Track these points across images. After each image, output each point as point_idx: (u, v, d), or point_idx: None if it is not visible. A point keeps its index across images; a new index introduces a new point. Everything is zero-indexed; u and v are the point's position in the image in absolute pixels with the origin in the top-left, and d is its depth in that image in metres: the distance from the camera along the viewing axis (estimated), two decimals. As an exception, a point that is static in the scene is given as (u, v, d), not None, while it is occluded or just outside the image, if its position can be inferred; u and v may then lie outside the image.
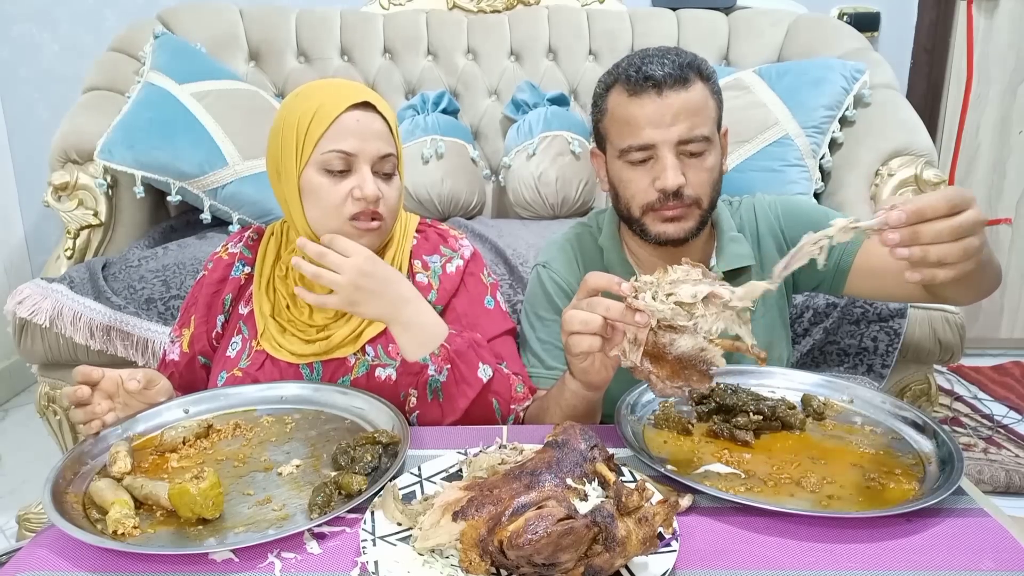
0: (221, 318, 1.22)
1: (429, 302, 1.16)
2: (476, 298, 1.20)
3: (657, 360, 0.90)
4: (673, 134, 1.13)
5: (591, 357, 0.96)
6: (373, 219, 1.11)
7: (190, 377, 1.22)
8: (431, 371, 1.06)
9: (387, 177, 1.13)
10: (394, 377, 1.14)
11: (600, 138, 1.25)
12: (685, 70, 1.14)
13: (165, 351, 1.25)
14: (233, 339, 1.20)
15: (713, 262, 1.26)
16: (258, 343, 1.16)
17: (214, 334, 1.22)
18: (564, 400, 1.06)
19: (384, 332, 1.15)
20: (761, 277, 1.25)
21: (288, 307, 1.17)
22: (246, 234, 1.25)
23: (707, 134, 1.16)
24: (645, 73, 1.14)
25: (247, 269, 1.22)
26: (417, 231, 1.23)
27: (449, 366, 1.07)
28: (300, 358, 1.15)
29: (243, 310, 1.21)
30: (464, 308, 1.19)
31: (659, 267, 0.90)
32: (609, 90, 1.20)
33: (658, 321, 0.87)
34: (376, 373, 1.14)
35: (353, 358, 1.15)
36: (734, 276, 1.25)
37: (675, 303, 0.86)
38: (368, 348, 1.15)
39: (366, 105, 1.10)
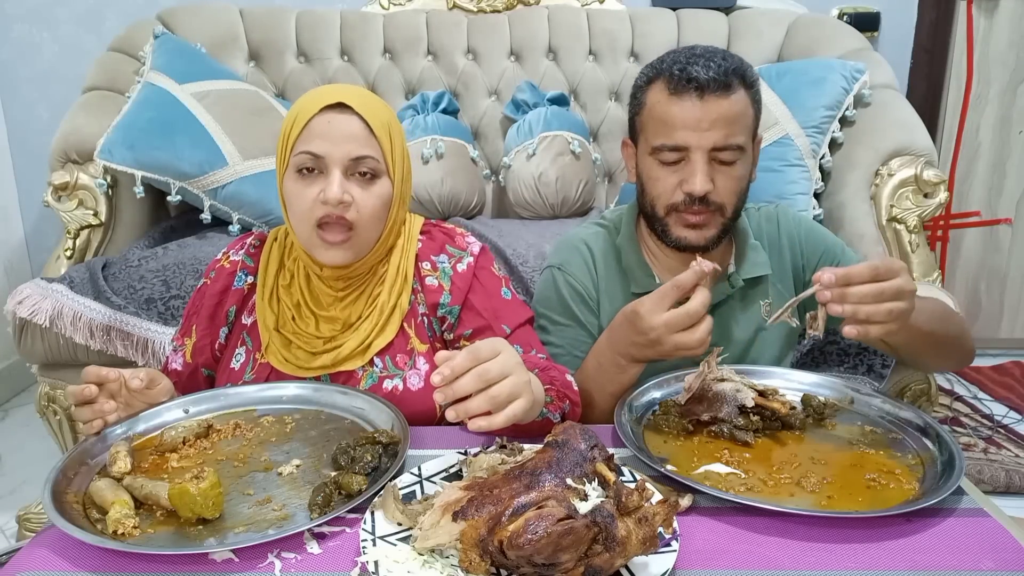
0: (224, 330, 1.20)
1: (443, 304, 1.15)
2: (492, 290, 1.18)
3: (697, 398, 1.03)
4: (708, 140, 1.12)
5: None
6: (345, 227, 1.07)
7: (193, 388, 1.20)
8: (556, 418, 1.00)
9: (366, 180, 1.09)
10: (400, 388, 1.13)
11: (633, 130, 1.24)
12: (729, 76, 1.12)
13: (168, 359, 1.23)
14: (237, 351, 1.18)
15: (732, 269, 1.25)
16: (262, 355, 1.15)
17: (217, 345, 1.20)
18: (621, 384, 1.12)
19: (392, 343, 1.14)
20: (776, 287, 1.26)
21: (293, 319, 1.15)
22: (248, 241, 1.23)
23: (741, 143, 1.15)
24: (689, 74, 1.12)
25: (250, 279, 1.20)
26: (422, 232, 1.21)
27: (567, 403, 1.03)
28: (307, 371, 1.13)
29: (246, 320, 1.19)
30: (482, 302, 1.16)
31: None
32: (650, 84, 1.18)
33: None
34: (384, 385, 1.13)
35: (361, 370, 1.13)
36: (752, 284, 1.25)
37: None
38: (376, 360, 1.14)
39: (343, 107, 1.07)
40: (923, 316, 1.09)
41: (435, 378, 0.82)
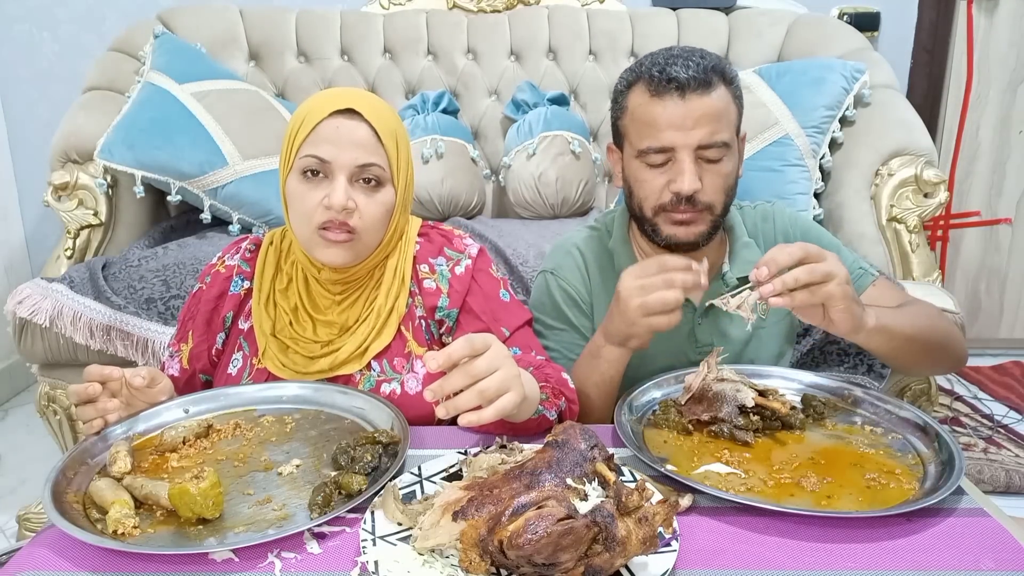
0: (221, 335, 1.19)
1: (441, 307, 1.15)
2: (491, 293, 1.18)
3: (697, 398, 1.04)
4: (693, 138, 1.12)
5: (669, 319, 1.05)
6: (347, 231, 1.06)
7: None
8: (552, 416, 1.00)
9: (370, 188, 1.08)
10: (398, 391, 1.13)
11: (618, 135, 1.24)
12: (709, 73, 1.13)
13: (163, 365, 1.23)
14: (234, 356, 1.18)
15: (726, 268, 1.25)
16: (259, 361, 1.15)
17: (214, 351, 1.20)
18: (601, 373, 1.14)
19: (389, 347, 1.14)
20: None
21: (291, 323, 1.15)
22: (243, 245, 1.22)
23: (726, 140, 1.14)
24: (669, 74, 1.12)
25: (247, 284, 1.19)
26: (419, 234, 1.20)
27: (563, 401, 1.03)
28: (304, 376, 1.13)
29: (243, 325, 1.18)
30: (481, 305, 1.16)
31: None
32: (631, 88, 1.18)
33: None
34: (381, 389, 1.13)
35: (359, 374, 1.13)
36: (747, 283, 1.25)
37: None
38: (374, 364, 1.13)
39: (352, 112, 1.06)
40: (900, 321, 1.10)
41: (431, 363, 0.82)
